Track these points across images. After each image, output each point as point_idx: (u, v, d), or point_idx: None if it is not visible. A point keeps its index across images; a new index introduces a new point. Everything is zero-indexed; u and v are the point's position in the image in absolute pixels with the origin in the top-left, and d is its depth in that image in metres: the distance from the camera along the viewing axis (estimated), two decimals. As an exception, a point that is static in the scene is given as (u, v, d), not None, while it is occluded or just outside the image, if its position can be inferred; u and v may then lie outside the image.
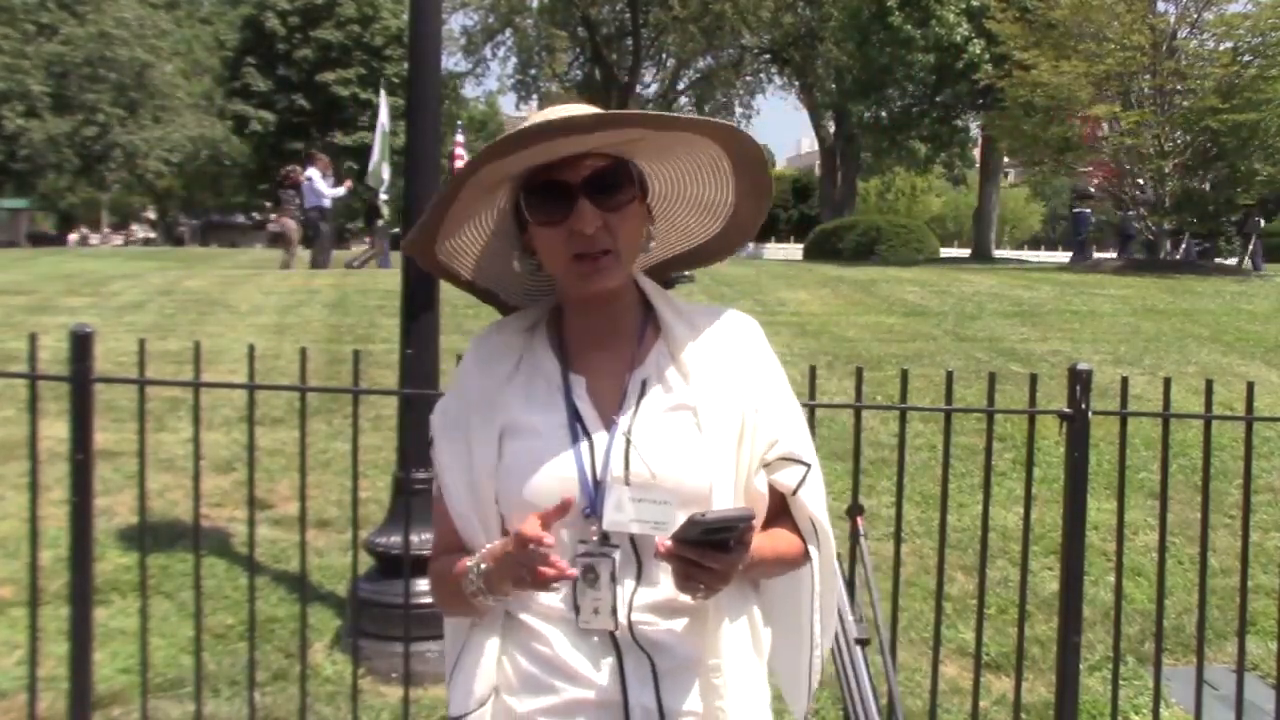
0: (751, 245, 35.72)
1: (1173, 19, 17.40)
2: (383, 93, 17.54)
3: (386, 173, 16.57)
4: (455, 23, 42.07)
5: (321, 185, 15.93)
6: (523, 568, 1.33)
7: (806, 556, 1.50)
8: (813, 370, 3.20)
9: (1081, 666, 3.30)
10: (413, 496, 3.69)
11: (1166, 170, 16.64)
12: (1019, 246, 57.89)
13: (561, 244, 1.41)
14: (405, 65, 4.21)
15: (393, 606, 3.55)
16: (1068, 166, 18.49)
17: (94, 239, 45.64)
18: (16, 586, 4.15)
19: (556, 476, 1.40)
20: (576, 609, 1.39)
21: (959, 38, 24.78)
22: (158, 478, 5.05)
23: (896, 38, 25.23)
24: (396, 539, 3.66)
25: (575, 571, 1.34)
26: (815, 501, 1.49)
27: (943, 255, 27.29)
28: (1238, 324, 9.88)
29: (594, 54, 41.16)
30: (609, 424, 1.44)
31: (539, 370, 1.49)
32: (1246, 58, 16.38)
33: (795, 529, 1.51)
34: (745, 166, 1.49)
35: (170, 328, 8.56)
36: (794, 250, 39.57)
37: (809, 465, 1.49)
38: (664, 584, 1.39)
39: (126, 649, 3.79)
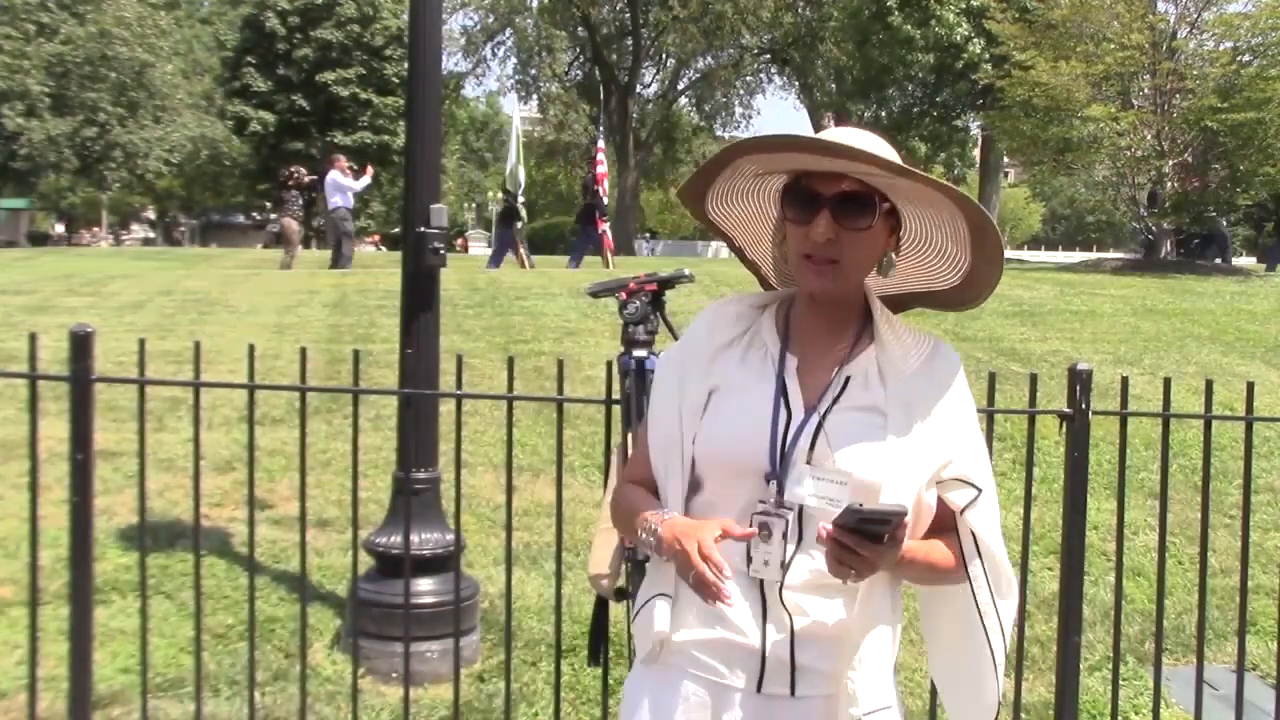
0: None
1: (1172, 19, 17.37)
2: (515, 97, 18.03)
3: (522, 175, 16.85)
4: (455, 23, 42.00)
5: (346, 181, 15.99)
6: (691, 571, 1.52)
7: (962, 573, 1.65)
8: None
9: (1081, 666, 3.29)
10: (413, 496, 3.68)
11: (1166, 170, 16.62)
12: (1019, 246, 57.83)
13: (800, 241, 1.62)
14: (405, 65, 4.21)
15: (393, 606, 3.55)
16: (1067, 167, 18.45)
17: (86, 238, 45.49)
18: (16, 586, 4.15)
19: (750, 436, 1.59)
20: (749, 559, 1.58)
21: (959, 38, 24.81)
22: (158, 478, 5.04)
23: (896, 38, 25.26)
24: (396, 539, 3.66)
25: (730, 600, 1.52)
26: (981, 524, 1.63)
27: (942, 255, 27.29)
28: (1238, 324, 9.87)
29: (594, 54, 41.15)
30: (808, 405, 1.62)
31: (760, 341, 1.69)
32: (1246, 58, 16.35)
33: (957, 546, 1.64)
34: (979, 233, 1.63)
35: (170, 328, 8.55)
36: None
37: (980, 490, 1.62)
38: (818, 557, 1.54)
39: (126, 649, 3.79)
